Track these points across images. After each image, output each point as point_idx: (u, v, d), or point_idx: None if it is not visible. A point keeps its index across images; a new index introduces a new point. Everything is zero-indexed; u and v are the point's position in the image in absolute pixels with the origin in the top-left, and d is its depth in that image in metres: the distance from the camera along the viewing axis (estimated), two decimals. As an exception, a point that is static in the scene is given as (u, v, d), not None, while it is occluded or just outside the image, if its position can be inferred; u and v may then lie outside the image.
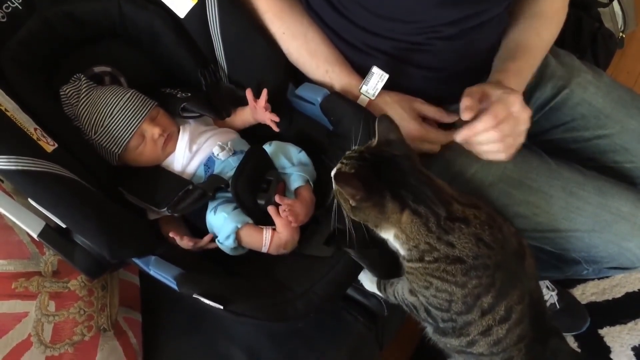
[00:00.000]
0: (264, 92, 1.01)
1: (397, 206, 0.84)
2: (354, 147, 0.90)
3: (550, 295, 1.56)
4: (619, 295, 1.64)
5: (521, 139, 0.95)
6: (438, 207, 0.84)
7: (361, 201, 0.84)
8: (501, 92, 0.92)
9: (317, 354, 1.10)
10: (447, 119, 1.10)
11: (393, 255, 0.92)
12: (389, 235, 0.88)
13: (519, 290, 0.89)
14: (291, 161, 1.02)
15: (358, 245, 0.91)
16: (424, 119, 1.09)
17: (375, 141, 0.88)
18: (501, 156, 0.95)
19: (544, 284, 1.56)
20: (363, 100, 1.04)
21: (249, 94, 1.03)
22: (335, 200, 0.90)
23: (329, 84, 1.07)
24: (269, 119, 1.03)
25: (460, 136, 0.93)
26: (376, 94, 1.04)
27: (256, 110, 1.04)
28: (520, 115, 0.91)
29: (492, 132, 0.90)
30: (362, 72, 1.06)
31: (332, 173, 0.88)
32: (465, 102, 0.90)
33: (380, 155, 0.86)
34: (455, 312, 0.90)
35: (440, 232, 0.84)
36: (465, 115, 0.91)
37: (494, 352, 0.93)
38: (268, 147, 1.03)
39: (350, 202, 0.84)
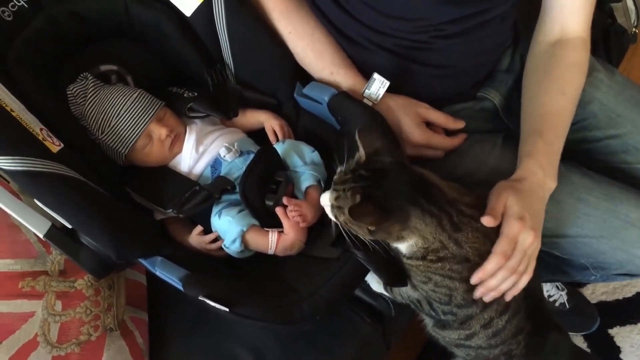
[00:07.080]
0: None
1: (418, 214, 0.81)
2: (340, 169, 0.86)
3: (559, 295, 1.55)
4: (629, 295, 1.63)
5: (533, 259, 0.89)
6: (446, 205, 0.83)
7: (380, 224, 0.81)
8: (512, 213, 0.85)
9: (323, 354, 1.10)
10: (453, 125, 1.08)
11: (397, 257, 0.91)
12: (410, 241, 0.86)
13: None
14: (303, 160, 1.01)
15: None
16: (429, 124, 1.07)
17: (363, 156, 0.84)
18: (519, 284, 0.88)
19: (554, 284, 1.55)
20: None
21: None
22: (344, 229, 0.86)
23: (334, 85, 1.05)
24: None
25: (475, 279, 0.86)
26: (379, 98, 1.03)
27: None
28: (524, 243, 0.85)
29: (502, 272, 0.85)
30: (366, 69, 1.05)
31: (325, 201, 0.85)
32: (487, 222, 0.84)
33: (376, 168, 0.82)
34: (455, 304, 0.90)
35: (451, 230, 0.83)
36: (488, 222, 0.85)
37: (492, 344, 0.94)
38: (280, 146, 1.02)
39: (370, 228, 0.82)
